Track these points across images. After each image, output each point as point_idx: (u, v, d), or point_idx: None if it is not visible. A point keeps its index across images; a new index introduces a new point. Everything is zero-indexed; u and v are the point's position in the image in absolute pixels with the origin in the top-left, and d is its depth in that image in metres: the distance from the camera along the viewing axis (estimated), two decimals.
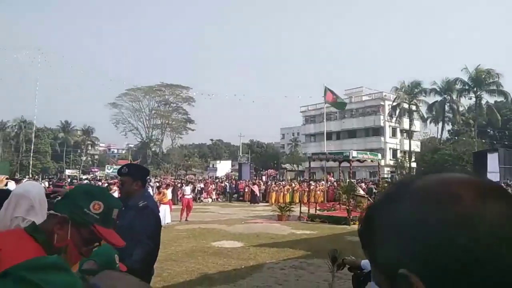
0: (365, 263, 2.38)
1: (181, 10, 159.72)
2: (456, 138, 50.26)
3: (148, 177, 3.82)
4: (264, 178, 47.87)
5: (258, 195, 27.13)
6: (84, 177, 53.06)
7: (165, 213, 13.32)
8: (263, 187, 29.79)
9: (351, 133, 53.95)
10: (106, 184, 22.87)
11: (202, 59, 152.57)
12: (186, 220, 15.85)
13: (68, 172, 62.44)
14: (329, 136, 40.67)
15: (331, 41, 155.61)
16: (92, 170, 60.40)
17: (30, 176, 45.37)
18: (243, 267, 7.88)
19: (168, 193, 14.95)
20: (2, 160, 44.73)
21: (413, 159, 48.53)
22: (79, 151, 71.76)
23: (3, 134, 61.38)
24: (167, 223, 13.30)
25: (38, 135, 60.55)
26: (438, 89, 48.16)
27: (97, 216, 1.42)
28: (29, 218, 2.35)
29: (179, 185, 22.16)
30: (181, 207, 16.75)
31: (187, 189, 17.56)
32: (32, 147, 52.50)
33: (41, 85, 49.50)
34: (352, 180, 17.80)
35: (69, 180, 35.22)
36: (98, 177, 50.55)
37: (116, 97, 76.44)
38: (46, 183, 26.10)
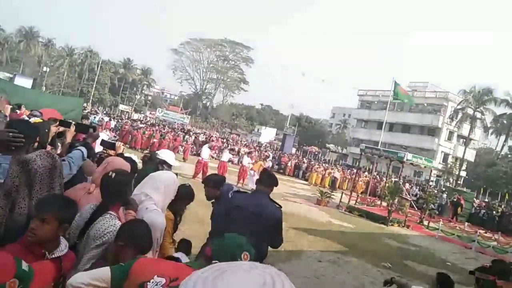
0: None
1: None
2: None
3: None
4: (294, 151, 47.54)
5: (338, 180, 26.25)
6: (135, 115, 55.34)
7: None
8: (304, 164, 29.82)
9: (405, 128, 52.02)
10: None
11: (270, 21, 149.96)
12: None
13: (121, 107, 65.27)
14: (381, 125, 39.53)
15: (405, 34, 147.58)
16: (149, 114, 62.01)
17: (89, 105, 47.83)
18: (282, 250, 8.10)
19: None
20: (75, 96, 46.98)
21: (464, 167, 46.37)
22: (135, 89, 74.32)
23: (70, 60, 64.46)
24: None
25: (101, 67, 63.16)
26: (511, 101, 44.98)
27: None
28: (151, 196, 2.66)
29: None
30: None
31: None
32: (96, 78, 55.05)
33: (113, 19, 51.30)
34: (400, 181, 17.39)
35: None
36: (156, 121, 52.03)
37: (179, 45, 77.81)
38: (106, 118, 27.50)
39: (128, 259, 1.82)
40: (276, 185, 3.57)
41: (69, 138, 3.13)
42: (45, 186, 2.14)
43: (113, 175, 2.28)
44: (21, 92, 11.62)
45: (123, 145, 4.76)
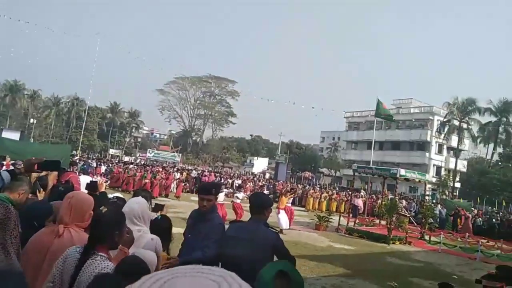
0: None
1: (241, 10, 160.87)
2: (510, 164, 47.49)
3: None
4: (292, 179, 47.52)
5: (361, 208, 22.92)
6: (126, 158, 55.07)
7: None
8: (300, 191, 29.62)
9: (395, 145, 52.44)
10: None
11: (250, 55, 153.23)
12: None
13: (111, 151, 64.99)
14: (371, 145, 40.02)
15: (384, 49, 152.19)
16: (139, 156, 62.15)
17: (79, 152, 47.54)
18: None
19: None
20: (63, 144, 46.76)
21: (457, 179, 46.57)
22: (124, 132, 74.24)
23: (57, 109, 64.53)
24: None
25: (88, 113, 63.22)
26: (493, 109, 45.90)
27: None
28: (140, 227, 2.65)
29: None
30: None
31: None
32: (84, 125, 55.00)
33: (96, 67, 52.27)
34: (396, 198, 17.31)
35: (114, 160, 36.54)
36: (147, 162, 51.80)
37: (164, 84, 78.68)
38: (94, 163, 27.27)
39: None
40: (271, 205, 3.47)
41: (51, 182, 3.04)
42: None
43: (104, 210, 2.13)
44: (8, 144, 11.51)
45: (105, 182, 4.68)
